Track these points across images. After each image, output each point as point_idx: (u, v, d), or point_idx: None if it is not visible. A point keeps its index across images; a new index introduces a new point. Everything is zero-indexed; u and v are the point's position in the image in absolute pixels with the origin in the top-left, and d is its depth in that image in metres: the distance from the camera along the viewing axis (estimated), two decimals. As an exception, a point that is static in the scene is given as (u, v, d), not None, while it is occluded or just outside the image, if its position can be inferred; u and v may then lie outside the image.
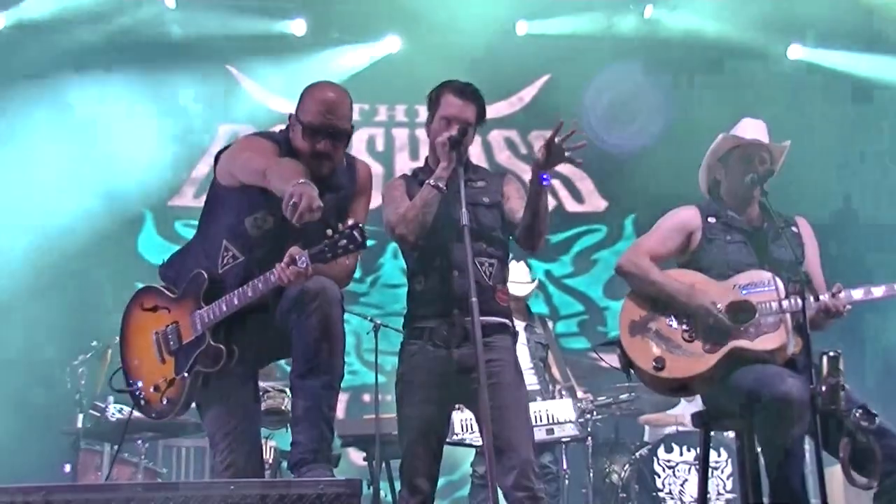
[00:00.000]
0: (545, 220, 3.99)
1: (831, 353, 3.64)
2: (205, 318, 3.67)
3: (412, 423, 4.03)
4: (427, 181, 4.00)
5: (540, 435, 6.56)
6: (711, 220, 4.27)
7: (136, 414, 6.88)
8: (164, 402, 3.72)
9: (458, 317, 3.95)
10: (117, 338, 6.67)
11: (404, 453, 4.04)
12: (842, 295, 3.95)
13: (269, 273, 3.43)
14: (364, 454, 7.77)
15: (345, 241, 3.28)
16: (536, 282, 7.37)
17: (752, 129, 4.32)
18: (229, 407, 3.77)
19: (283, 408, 6.98)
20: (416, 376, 4.06)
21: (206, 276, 3.76)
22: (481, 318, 3.72)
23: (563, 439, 6.59)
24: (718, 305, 4.03)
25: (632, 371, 4.15)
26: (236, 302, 3.54)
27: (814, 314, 3.96)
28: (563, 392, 6.88)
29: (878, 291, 3.98)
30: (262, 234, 3.72)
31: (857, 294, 3.98)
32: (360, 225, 3.26)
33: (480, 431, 4.14)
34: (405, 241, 4.07)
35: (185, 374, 3.65)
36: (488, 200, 4.15)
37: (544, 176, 3.88)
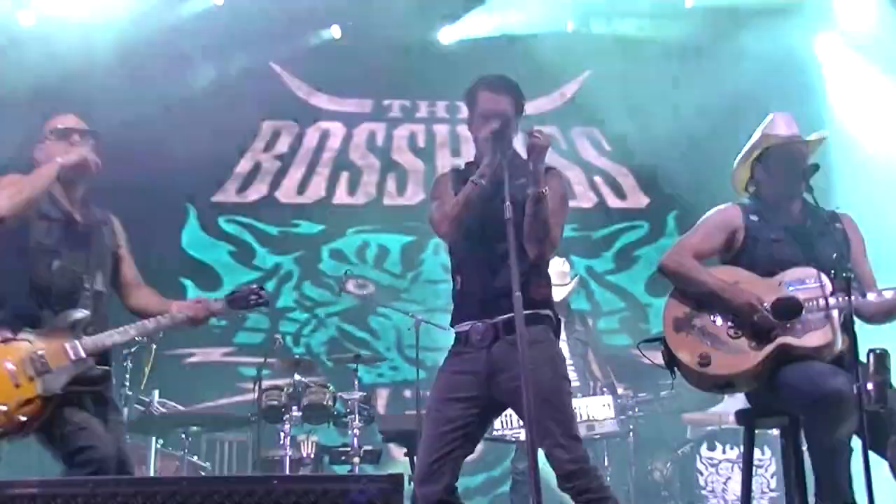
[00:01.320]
0: (538, 227, 3.94)
1: (878, 351, 3.60)
2: (88, 346, 4.20)
3: (429, 418, 4.06)
4: (471, 178, 3.98)
5: (580, 431, 6.55)
6: (754, 217, 4.24)
7: (180, 408, 7.06)
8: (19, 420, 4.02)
9: (493, 315, 3.94)
10: (161, 332, 6.81)
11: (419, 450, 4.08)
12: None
13: (179, 312, 3.77)
14: (405, 449, 7.80)
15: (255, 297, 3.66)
16: (577, 279, 7.34)
17: (784, 124, 4.29)
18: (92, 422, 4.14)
19: (324, 403, 7.03)
20: (449, 379, 4.05)
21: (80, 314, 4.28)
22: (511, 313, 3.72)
23: (603, 436, 6.58)
24: (764, 303, 3.99)
25: (675, 368, 4.12)
26: (133, 333, 3.88)
27: (875, 309, 3.93)
28: (604, 389, 6.86)
29: None
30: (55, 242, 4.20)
31: None
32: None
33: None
34: (448, 237, 4.08)
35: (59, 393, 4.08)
36: (527, 196, 4.06)
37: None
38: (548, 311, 4.05)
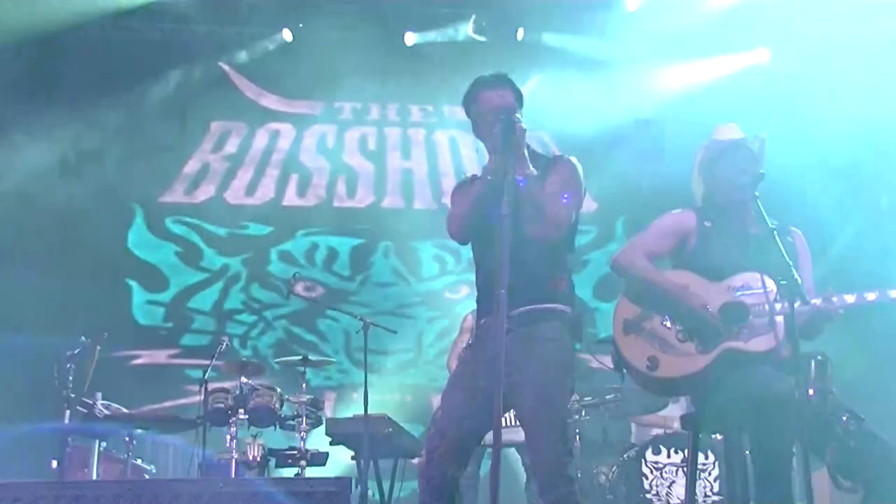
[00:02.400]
0: (541, 208, 3.90)
1: (819, 358, 3.66)
2: None
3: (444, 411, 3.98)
4: (480, 175, 3.95)
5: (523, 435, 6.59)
6: (707, 223, 4.29)
7: (124, 410, 6.97)
8: None
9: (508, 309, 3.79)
10: (105, 334, 6.73)
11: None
12: (835, 299, 3.97)
13: None
14: (353, 452, 7.78)
15: None
16: None
17: (727, 131, 4.36)
18: None
19: (271, 406, 6.99)
20: (462, 369, 4.01)
21: None
22: (528, 306, 3.76)
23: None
24: (710, 308, 4.04)
25: (624, 371, 4.16)
26: None
27: (808, 318, 3.99)
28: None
29: (870, 296, 4.00)
30: None
31: (850, 298, 4.00)
32: None
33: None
34: (456, 239, 4.06)
35: None
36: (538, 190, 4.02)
37: (519, 179, 3.86)
38: (564, 307, 3.94)
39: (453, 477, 3.84)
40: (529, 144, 4.03)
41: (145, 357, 9.12)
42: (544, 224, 3.91)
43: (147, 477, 7.02)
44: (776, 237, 4.11)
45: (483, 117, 4.04)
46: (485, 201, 3.90)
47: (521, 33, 9.80)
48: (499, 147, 3.85)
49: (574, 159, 4.18)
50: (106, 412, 6.79)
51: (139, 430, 6.95)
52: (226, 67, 9.80)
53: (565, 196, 3.95)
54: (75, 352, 6.68)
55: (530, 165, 3.89)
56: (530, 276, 3.83)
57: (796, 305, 3.82)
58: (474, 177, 4.11)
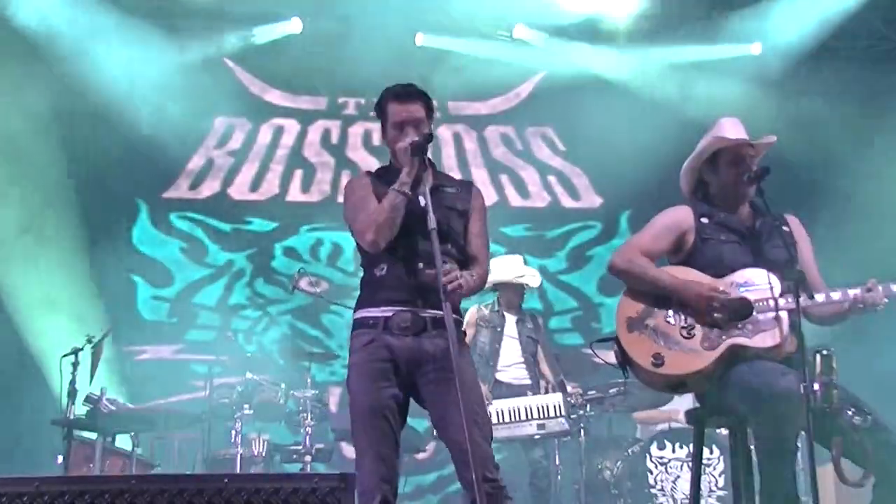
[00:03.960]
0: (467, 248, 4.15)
1: (825, 352, 3.65)
2: None
3: (365, 409, 3.94)
4: (393, 187, 3.97)
5: (530, 430, 6.59)
6: (704, 220, 4.27)
7: (129, 405, 6.98)
8: None
9: (420, 307, 3.94)
10: (111, 329, 6.72)
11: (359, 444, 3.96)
12: (880, 288, 3.95)
13: None
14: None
15: None
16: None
17: (732, 128, 4.33)
18: None
19: (276, 401, 7.00)
20: (371, 365, 3.97)
21: None
22: (439, 312, 3.79)
23: (552, 434, 6.62)
24: (716, 302, 4.03)
25: (628, 368, 4.15)
26: None
27: (846, 308, 3.99)
28: (554, 388, 6.91)
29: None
30: None
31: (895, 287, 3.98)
32: None
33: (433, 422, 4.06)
34: (376, 246, 4.01)
35: None
36: (460, 207, 4.15)
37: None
38: (459, 317, 4.11)
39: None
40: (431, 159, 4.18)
41: (150, 352, 9.13)
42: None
43: (152, 472, 7.03)
44: (774, 229, 4.11)
45: (391, 127, 4.11)
46: (398, 214, 3.96)
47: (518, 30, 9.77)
48: (406, 162, 3.98)
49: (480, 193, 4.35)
50: (111, 407, 6.79)
51: (144, 425, 6.96)
52: (229, 63, 9.79)
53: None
54: (80, 347, 6.69)
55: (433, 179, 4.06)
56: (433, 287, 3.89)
57: (801, 300, 3.82)
58: (376, 178, 4.19)
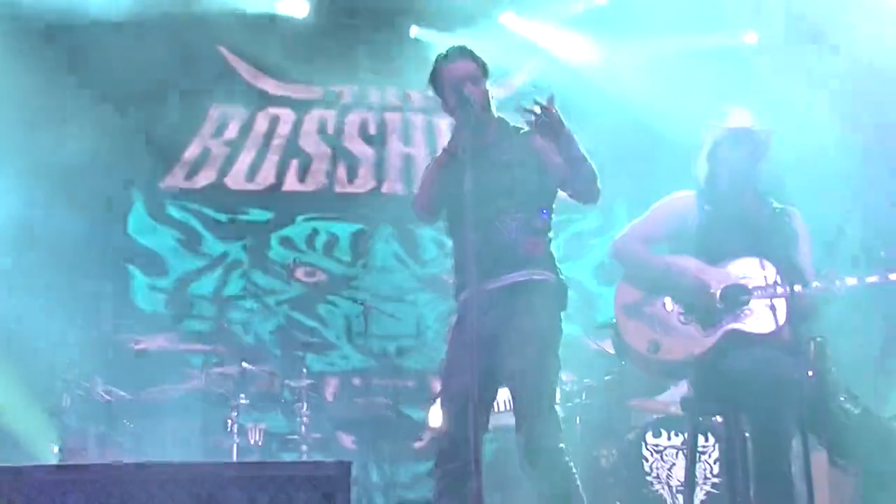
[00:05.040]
0: (580, 167, 3.97)
1: (819, 339, 3.67)
2: None
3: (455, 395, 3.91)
4: (444, 148, 3.98)
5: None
6: (707, 207, 4.29)
7: (125, 395, 6.98)
8: None
9: (480, 283, 3.80)
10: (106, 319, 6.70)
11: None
12: (837, 282, 3.97)
13: None
14: (354, 437, 7.81)
15: None
16: None
17: (740, 117, 4.34)
18: None
19: (272, 391, 7.01)
20: (456, 349, 3.99)
21: None
22: (504, 277, 3.81)
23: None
24: (711, 290, 4.04)
25: (625, 355, 4.16)
26: None
27: (808, 301, 3.99)
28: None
29: (871, 278, 4.00)
30: None
31: (852, 281, 4.00)
32: None
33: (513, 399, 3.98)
34: (422, 216, 4.09)
35: None
36: (508, 159, 4.06)
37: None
38: (545, 276, 3.97)
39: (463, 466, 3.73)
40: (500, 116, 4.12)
41: (147, 342, 9.12)
42: (582, 185, 3.97)
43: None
44: (775, 221, 4.12)
45: (447, 92, 4.06)
46: (446, 177, 3.91)
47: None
48: (457, 121, 3.94)
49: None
50: (106, 397, 6.80)
51: (140, 415, 6.97)
52: (224, 51, 9.76)
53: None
54: (77, 338, 6.71)
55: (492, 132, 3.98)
56: (504, 245, 3.87)
57: (796, 289, 3.83)
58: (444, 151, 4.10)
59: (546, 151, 4.03)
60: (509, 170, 4.01)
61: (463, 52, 4.13)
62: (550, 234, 4.11)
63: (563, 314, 4.03)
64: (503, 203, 3.95)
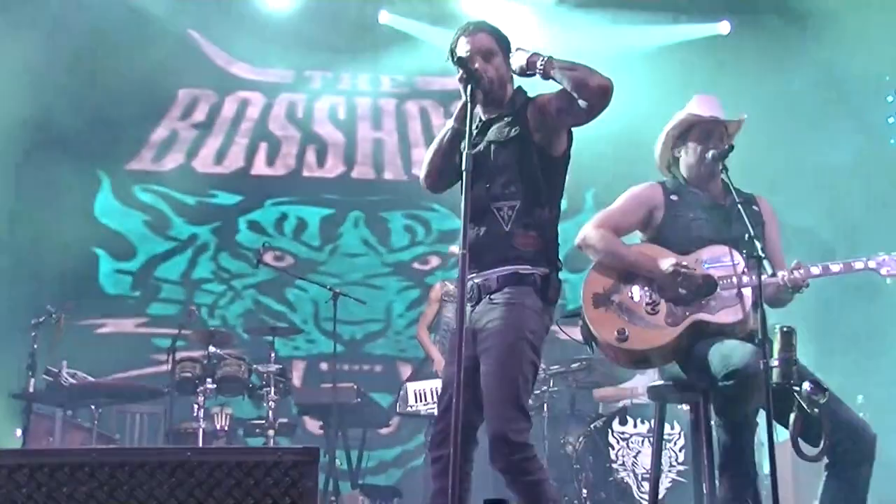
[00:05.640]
0: (579, 73, 3.78)
1: (785, 328, 3.69)
2: None
3: (446, 383, 3.86)
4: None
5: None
6: (674, 197, 4.30)
7: (90, 378, 6.93)
8: None
9: (477, 271, 3.75)
10: (72, 302, 6.66)
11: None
12: (801, 271, 4.00)
13: None
14: (321, 422, 7.78)
15: None
16: None
17: (707, 105, 4.35)
18: None
19: (239, 375, 6.97)
20: (451, 337, 3.96)
21: None
22: (493, 269, 3.73)
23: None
24: (684, 266, 4.06)
25: (594, 343, 4.17)
26: None
27: (775, 290, 4.02)
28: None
29: (835, 268, 4.04)
30: None
31: (816, 270, 4.03)
32: None
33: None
34: (426, 187, 4.02)
35: None
36: (503, 137, 3.90)
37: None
38: (532, 270, 3.80)
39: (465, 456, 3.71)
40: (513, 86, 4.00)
41: (112, 326, 9.06)
42: (585, 89, 3.77)
43: (113, 446, 6.99)
44: (742, 209, 4.14)
45: (460, 66, 3.85)
46: (450, 150, 3.88)
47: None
48: (463, 95, 3.78)
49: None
50: (72, 380, 6.74)
51: (104, 399, 6.92)
52: (194, 34, 9.68)
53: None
54: (41, 320, 6.63)
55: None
56: (497, 235, 3.77)
57: (763, 277, 3.85)
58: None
59: (545, 105, 3.89)
60: (508, 151, 3.86)
61: (479, 26, 4.00)
62: (554, 225, 3.96)
63: (554, 308, 3.92)
64: (499, 190, 3.82)
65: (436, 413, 4.00)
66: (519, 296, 3.75)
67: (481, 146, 3.87)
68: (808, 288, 4.02)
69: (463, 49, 3.93)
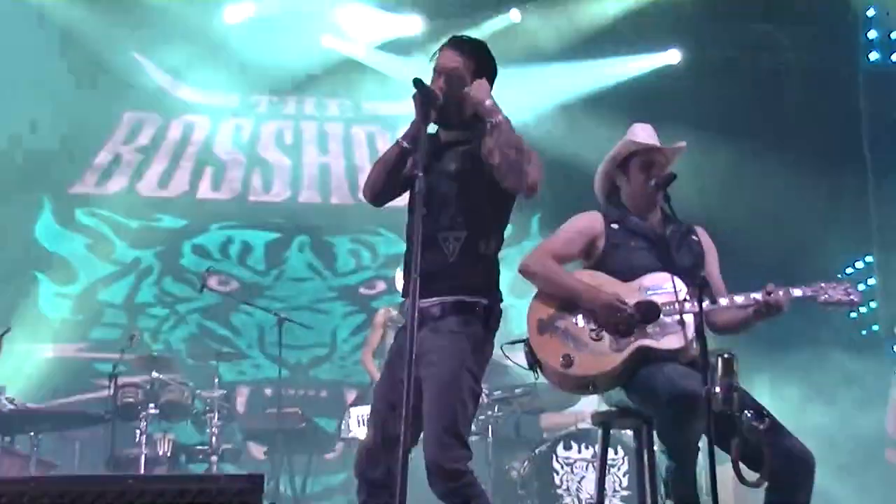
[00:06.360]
0: (515, 158, 3.68)
1: (726, 355, 3.74)
2: None
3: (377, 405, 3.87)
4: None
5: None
6: (615, 225, 4.34)
7: (29, 405, 6.82)
8: None
9: (422, 296, 3.55)
10: (9, 328, 6.56)
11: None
12: (781, 292, 4.04)
13: None
14: (265, 448, 7.72)
15: None
16: None
17: (643, 133, 4.41)
18: None
19: (182, 401, 6.91)
20: (393, 360, 3.90)
21: None
22: (437, 297, 3.71)
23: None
24: (626, 302, 4.10)
25: (538, 369, 4.19)
26: None
27: (750, 315, 4.08)
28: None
29: (796, 292, 4.10)
30: None
31: (797, 292, 4.08)
32: None
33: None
34: (368, 200, 3.93)
35: None
36: (454, 168, 3.85)
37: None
38: (476, 299, 3.79)
39: (385, 473, 3.71)
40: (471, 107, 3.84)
41: (53, 350, 8.93)
42: (519, 175, 3.70)
43: (52, 473, 6.88)
44: (681, 238, 4.20)
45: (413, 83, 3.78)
46: (392, 166, 3.83)
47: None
48: (416, 111, 3.71)
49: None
50: (10, 406, 6.63)
51: (45, 426, 6.81)
52: (139, 57, 9.62)
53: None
54: (-20, 344, 6.53)
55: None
56: (444, 265, 3.75)
57: (705, 305, 3.91)
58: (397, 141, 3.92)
59: (487, 155, 3.78)
60: (455, 181, 3.83)
61: (453, 44, 3.90)
62: (499, 255, 3.95)
63: (495, 337, 3.94)
64: (446, 221, 3.79)
65: None
66: (462, 325, 3.75)
67: (433, 173, 3.77)
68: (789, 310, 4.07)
69: (447, 62, 3.84)
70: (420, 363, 3.67)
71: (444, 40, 3.97)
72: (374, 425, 3.85)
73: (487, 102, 3.78)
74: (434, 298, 3.74)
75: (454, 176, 3.84)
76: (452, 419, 3.68)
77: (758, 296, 4.08)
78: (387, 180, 3.88)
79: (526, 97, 9.15)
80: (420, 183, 3.48)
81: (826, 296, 4.10)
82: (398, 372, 3.51)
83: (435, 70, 3.88)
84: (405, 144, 3.79)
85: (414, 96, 3.71)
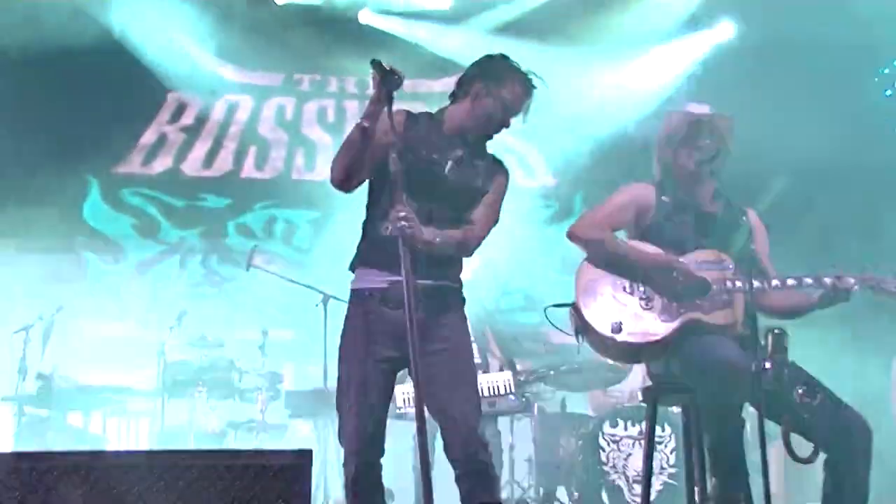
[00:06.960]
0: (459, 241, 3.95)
1: (776, 331, 3.70)
2: None
3: (354, 386, 3.83)
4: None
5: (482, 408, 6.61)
6: (665, 198, 4.29)
7: (81, 382, 6.90)
8: None
9: (413, 277, 3.57)
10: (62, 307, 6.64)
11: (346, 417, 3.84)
12: (852, 279, 3.99)
13: None
14: (312, 425, 7.78)
15: None
16: None
17: (698, 108, 4.38)
18: None
19: (231, 378, 6.98)
20: (367, 337, 3.85)
21: None
22: (436, 281, 3.78)
23: (503, 412, 6.64)
24: (680, 262, 4.07)
25: (584, 335, 4.15)
26: None
27: (815, 301, 4.05)
28: (503, 366, 6.91)
29: (790, 282, 4.07)
30: None
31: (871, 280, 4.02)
32: None
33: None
34: (335, 185, 3.88)
35: None
36: (463, 183, 3.98)
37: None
38: (456, 285, 3.97)
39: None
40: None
41: (103, 329, 9.03)
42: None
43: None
44: (731, 215, 4.16)
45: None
46: (352, 148, 3.79)
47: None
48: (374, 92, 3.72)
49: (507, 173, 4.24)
50: (63, 384, 6.76)
51: (96, 402, 6.92)
52: (182, 37, 9.64)
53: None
54: (32, 324, 6.66)
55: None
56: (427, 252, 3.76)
57: (755, 283, 3.88)
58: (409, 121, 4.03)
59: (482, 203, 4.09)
60: (460, 195, 3.99)
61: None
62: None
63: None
64: (443, 209, 3.90)
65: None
66: (460, 309, 3.97)
67: (434, 168, 3.88)
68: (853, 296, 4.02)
69: None
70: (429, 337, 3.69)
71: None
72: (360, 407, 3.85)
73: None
74: (425, 279, 3.76)
75: (460, 192, 3.97)
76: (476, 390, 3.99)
77: (828, 279, 4.02)
78: (351, 164, 3.82)
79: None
80: (394, 162, 3.59)
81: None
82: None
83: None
84: (365, 124, 3.74)
85: (372, 77, 3.71)
